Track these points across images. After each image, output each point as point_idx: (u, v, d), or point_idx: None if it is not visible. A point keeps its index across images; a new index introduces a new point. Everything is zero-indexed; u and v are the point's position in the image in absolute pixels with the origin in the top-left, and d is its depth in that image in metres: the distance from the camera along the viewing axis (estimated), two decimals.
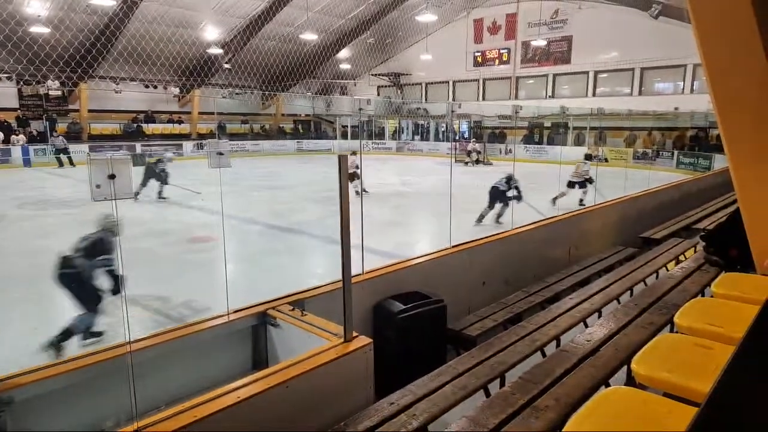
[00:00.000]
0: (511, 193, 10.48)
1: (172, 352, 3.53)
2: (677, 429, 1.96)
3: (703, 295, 4.67)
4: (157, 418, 2.55)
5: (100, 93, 27.91)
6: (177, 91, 31.83)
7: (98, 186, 16.33)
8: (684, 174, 20.48)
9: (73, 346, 5.17)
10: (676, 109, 25.99)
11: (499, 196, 10.79)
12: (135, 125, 30.92)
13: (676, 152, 25.52)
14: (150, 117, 32.04)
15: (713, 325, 3.00)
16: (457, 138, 34.02)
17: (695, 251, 6.66)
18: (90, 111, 28.97)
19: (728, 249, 5.01)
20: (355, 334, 3.45)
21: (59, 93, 28.30)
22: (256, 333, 4.01)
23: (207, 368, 3.76)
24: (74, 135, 28.23)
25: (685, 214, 10.15)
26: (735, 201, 4.38)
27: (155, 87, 30.60)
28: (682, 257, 6.97)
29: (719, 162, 20.56)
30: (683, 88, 26.59)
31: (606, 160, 25.76)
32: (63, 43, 22.54)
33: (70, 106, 29.01)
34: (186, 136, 32.18)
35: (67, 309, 6.94)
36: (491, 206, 10.90)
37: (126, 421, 2.58)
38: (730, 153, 3.72)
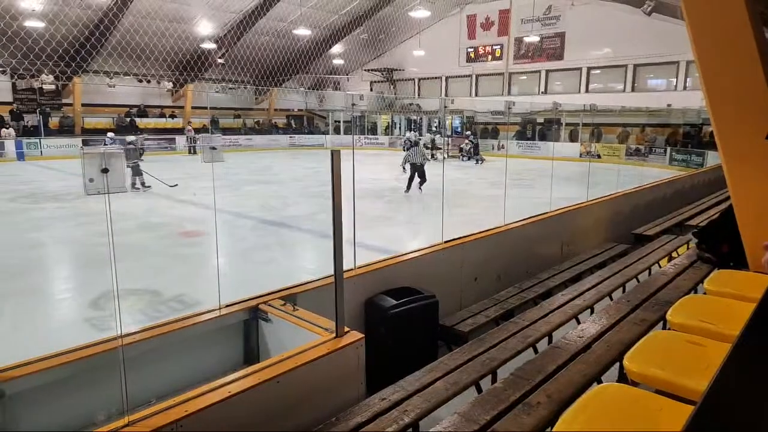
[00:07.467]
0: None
1: (164, 346, 3.51)
2: (669, 426, 1.96)
3: (695, 292, 4.67)
4: (148, 412, 2.54)
5: (93, 87, 27.81)
6: (170, 85, 31.70)
7: (91, 180, 16.34)
8: (677, 171, 20.54)
9: (65, 339, 5.13)
10: (668, 105, 26.05)
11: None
12: (128, 119, 30.77)
13: (668, 149, 25.61)
14: (143, 111, 31.92)
15: (706, 322, 2.99)
16: (449, 134, 34.00)
17: (688, 248, 6.68)
18: (83, 105, 28.85)
19: (721, 246, 5.01)
20: (346, 329, 3.43)
21: (53, 87, 28.18)
22: (247, 328, 3.99)
23: (198, 363, 3.74)
24: (67, 129, 28.15)
25: (677, 211, 10.17)
26: (728, 198, 4.39)
27: (149, 81, 30.47)
28: (674, 254, 6.99)
29: (712, 159, 20.61)
30: (676, 85, 26.65)
31: (599, 156, 25.87)
32: (57, 37, 22.38)
33: (64, 100, 28.93)
34: (179, 131, 32.07)
35: (59, 301, 6.95)
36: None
37: (117, 415, 2.57)
38: (723, 150, 3.72)
